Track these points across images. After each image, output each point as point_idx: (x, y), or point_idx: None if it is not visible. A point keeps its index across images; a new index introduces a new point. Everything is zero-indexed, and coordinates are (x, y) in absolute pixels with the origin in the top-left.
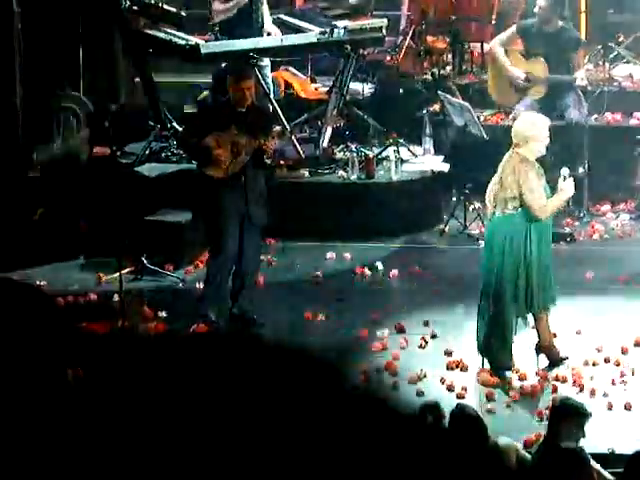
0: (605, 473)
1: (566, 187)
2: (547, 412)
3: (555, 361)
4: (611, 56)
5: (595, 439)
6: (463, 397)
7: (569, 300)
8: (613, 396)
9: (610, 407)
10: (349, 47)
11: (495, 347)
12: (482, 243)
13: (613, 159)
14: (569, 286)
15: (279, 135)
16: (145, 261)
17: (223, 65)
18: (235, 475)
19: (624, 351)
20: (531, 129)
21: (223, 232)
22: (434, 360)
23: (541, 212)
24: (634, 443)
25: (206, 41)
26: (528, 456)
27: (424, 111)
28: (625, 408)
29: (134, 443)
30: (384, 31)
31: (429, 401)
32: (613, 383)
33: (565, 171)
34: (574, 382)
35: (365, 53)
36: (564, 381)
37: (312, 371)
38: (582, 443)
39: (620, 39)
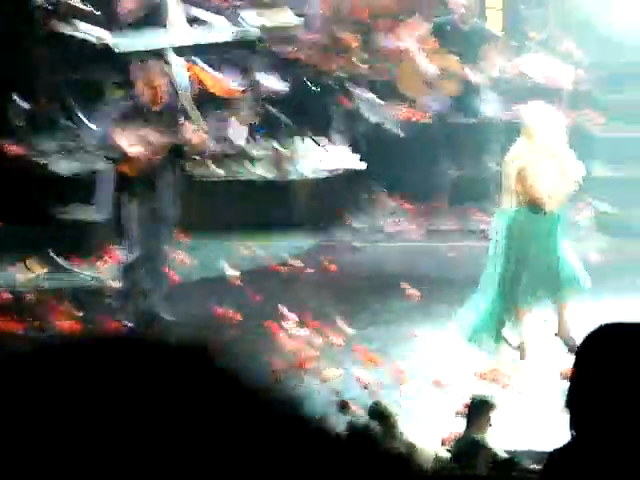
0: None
1: (573, 170)
2: (465, 409)
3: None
4: (524, 51)
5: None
6: (378, 394)
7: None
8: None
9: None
10: (263, 43)
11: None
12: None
13: None
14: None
15: (192, 131)
16: (57, 259)
17: (136, 62)
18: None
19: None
20: (536, 120)
21: (135, 229)
22: (349, 357)
23: (545, 202)
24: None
25: (118, 38)
26: (446, 455)
27: (338, 107)
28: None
29: (39, 446)
30: (297, 28)
31: (341, 400)
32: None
33: (571, 154)
34: (494, 379)
35: (278, 49)
36: (485, 379)
37: (221, 369)
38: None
39: (533, 35)
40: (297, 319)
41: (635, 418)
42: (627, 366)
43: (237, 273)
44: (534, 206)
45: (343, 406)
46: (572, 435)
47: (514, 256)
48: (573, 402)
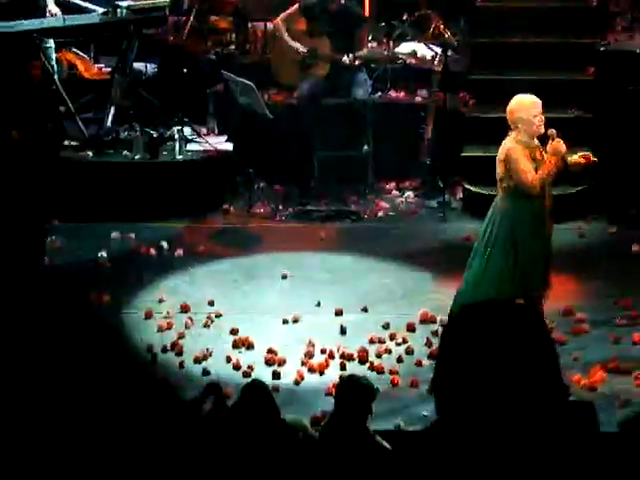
0: (386, 445)
1: (554, 149)
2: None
3: None
4: (395, 34)
5: (381, 416)
6: (249, 375)
7: (358, 279)
8: (400, 373)
9: (396, 383)
10: (132, 27)
11: None
12: None
13: (398, 136)
14: (360, 263)
15: (64, 115)
16: None
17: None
18: None
19: (410, 328)
20: (518, 110)
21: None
22: (220, 339)
23: (532, 187)
24: (420, 420)
25: None
26: (315, 434)
27: (208, 90)
28: (411, 385)
29: None
30: (167, 10)
31: (211, 381)
32: (400, 360)
33: (553, 132)
34: (360, 359)
35: (148, 32)
36: (350, 358)
37: (97, 352)
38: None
39: (404, 17)
40: (167, 301)
41: (494, 401)
42: (485, 349)
43: (106, 256)
44: (521, 192)
45: (210, 387)
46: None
47: (502, 241)
48: (436, 387)
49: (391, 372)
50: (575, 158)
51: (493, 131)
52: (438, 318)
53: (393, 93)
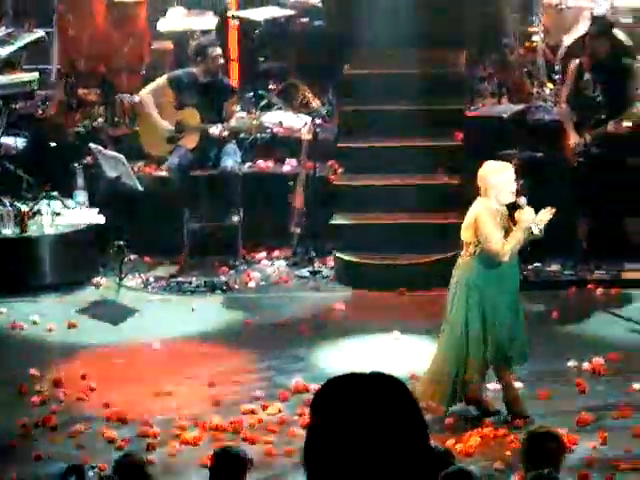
0: None
1: (524, 217)
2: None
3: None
4: (262, 103)
5: None
6: (123, 449)
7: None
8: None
9: (270, 453)
10: (0, 101)
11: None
12: None
13: (268, 206)
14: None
15: None
16: None
17: None
18: None
19: (283, 398)
20: (489, 176)
21: None
22: (95, 412)
23: (501, 255)
24: None
25: None
26: None
27: (77, 164)
28: (285, 455)
29: None
30: (35, 84)
31: (74, 464)
32: (273, 430)
33: (522, 200)
34: (234, 430)
35: (16, 107)
36: (224, 430)
37: None
38: None
39: (272, 86)
40: (42, 376)
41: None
42: (354, 420)
43: None
44: (489, 259)
45: (72, 469)
46: None
47: (470, 309)
48: (308, 457)
49: (265, 442)
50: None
51: (362, 199)
52: (311, 387)
53: (262, 163)
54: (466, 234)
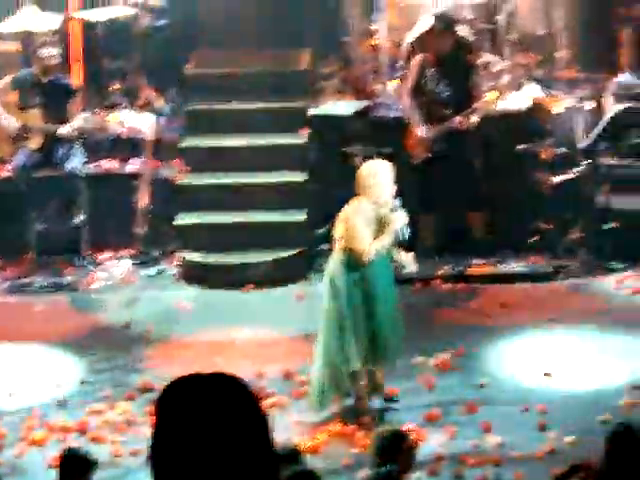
0: None
1: (395, 221)
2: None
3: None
4: (106, 103)
5: None
6: None
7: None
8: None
9: (118, 453)
10: None
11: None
12: None
13: (112, 206)
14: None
15: None
16: None
17: None
18: None
19: (131, 397)
20: (366, 176)
21: None
22: None
23: (365, 255)
24: None
25: None
26: None
27: None
28: (132, 454)
29: None
30: None
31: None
32: (121, 429)
33: (395, 203)
34: (80, 431)
35: None
36: (70, 431)
37: None
38: None
39: (115, 86)
40: None
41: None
42: (197, 420)
43: None
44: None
45: None
46: None
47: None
48: (153, 456)
49: (112, 442)
50: None
51: (208, 198)
52: (157, 387)
53: (106, 163)
54: (337, 229)
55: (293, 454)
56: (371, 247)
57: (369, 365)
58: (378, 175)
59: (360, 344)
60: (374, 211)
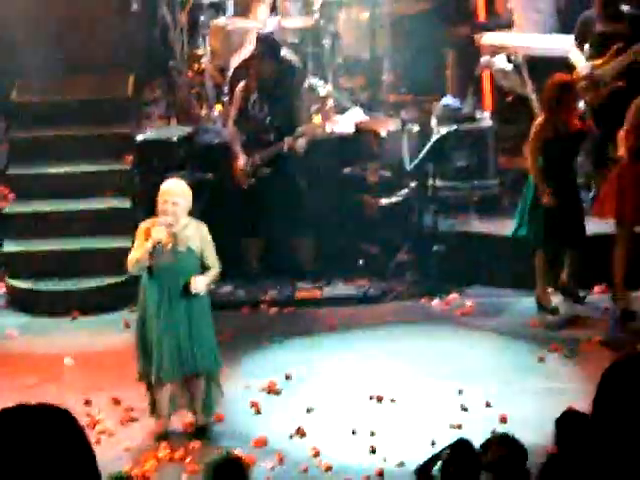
0: None
1: (152, 235)
2: None
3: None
4: None
5: None
6: None
7: None
8: None
9: None
10: None
11: None
12: None
13: None
14: None
15: None
16: None
17: None
18: None
19: None
20: (160, 196)
21: None
22: None
23: (128, 267)
24: None
25: None
26: None
27: None
28: None
29: None
30: None
31: None
32: None
33: (164, 221)
34: None
35: None
36: None
37: None
38: None
39: None
40: None
41: None
42: (24, 450)
43: None
44: None
45: None
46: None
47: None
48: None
49: None
50: None
51: (34, 225)
52: None
53: None
54: None
55: None
56: (130, 259)
57: (167, 379)
58: (160, 194)
59: (156, 356)
60: (162, 225)
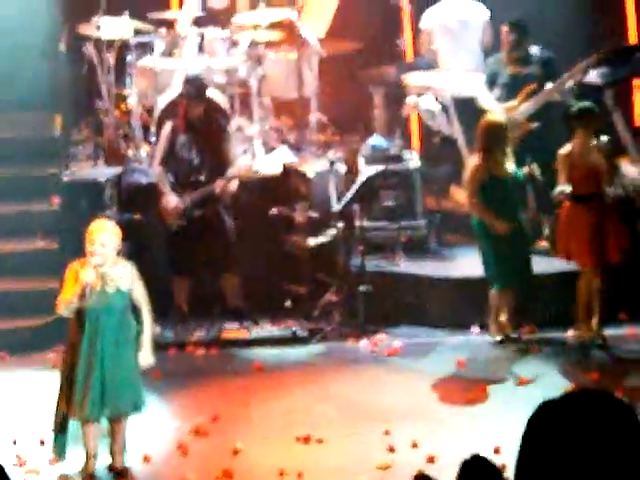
0: None
1: (81, 276)
2: None
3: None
4: None
5: None
6: None
7: None
8: None
9: None
10: None
11: None
12: None
13: None
14: None
15: None
16: None
17: None
18: None
19: None
20: (88, 235)
21: None
22: None
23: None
24: None
25: None
26: None
27: None
28: None
29: None
30: None
31: None
32: None
33: (96, 260)
34: None
35: None
36: None
37: None
38: None
39: None
40: None
41: None
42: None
43: None
44: None
45: None
46: None
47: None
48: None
49: None
50: None
51: None
52: None
53: None
54: None
55: None
56: (61, 300)
57: (92, 418)
58: (94, 235)
59: (82, 396)
60: (97, 269)
